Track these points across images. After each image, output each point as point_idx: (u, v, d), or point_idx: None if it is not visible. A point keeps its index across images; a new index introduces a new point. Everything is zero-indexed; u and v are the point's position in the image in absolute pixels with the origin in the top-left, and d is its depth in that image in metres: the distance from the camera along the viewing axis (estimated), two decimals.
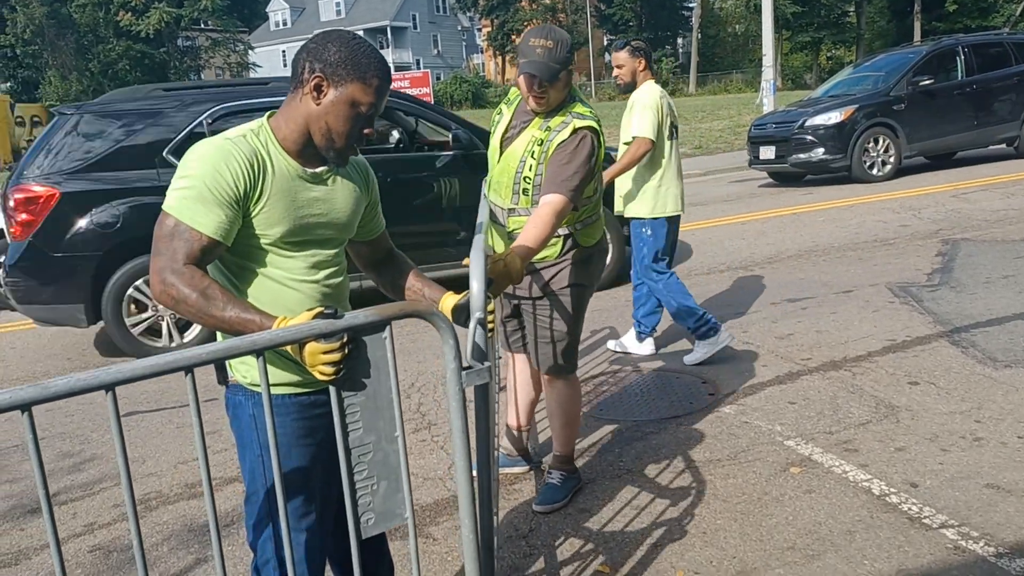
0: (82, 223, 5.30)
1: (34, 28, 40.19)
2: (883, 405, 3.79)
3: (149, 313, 5.49)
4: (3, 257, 5.92)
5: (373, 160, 5.49)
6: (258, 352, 1.59)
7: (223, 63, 48.39)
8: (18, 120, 33.74)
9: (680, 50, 59.45)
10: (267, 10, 64.19)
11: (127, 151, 5.43)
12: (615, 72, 4.60)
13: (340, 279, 1.97)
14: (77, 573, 2.98)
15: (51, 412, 4.58)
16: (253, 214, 1.78)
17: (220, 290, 1.70)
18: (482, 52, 72.30)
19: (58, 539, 1.45)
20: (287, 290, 1.86)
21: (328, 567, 2.25)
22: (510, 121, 3.02)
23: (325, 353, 1.62)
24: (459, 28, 69.73)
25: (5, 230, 5.65)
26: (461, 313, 2.05)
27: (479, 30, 71.42)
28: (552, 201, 2.69)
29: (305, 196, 1.85)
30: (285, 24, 63.39)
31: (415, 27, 62.60)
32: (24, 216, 5.23)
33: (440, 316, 1.79)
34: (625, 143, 4.52)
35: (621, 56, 4.48)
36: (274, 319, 1.68)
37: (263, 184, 1.78)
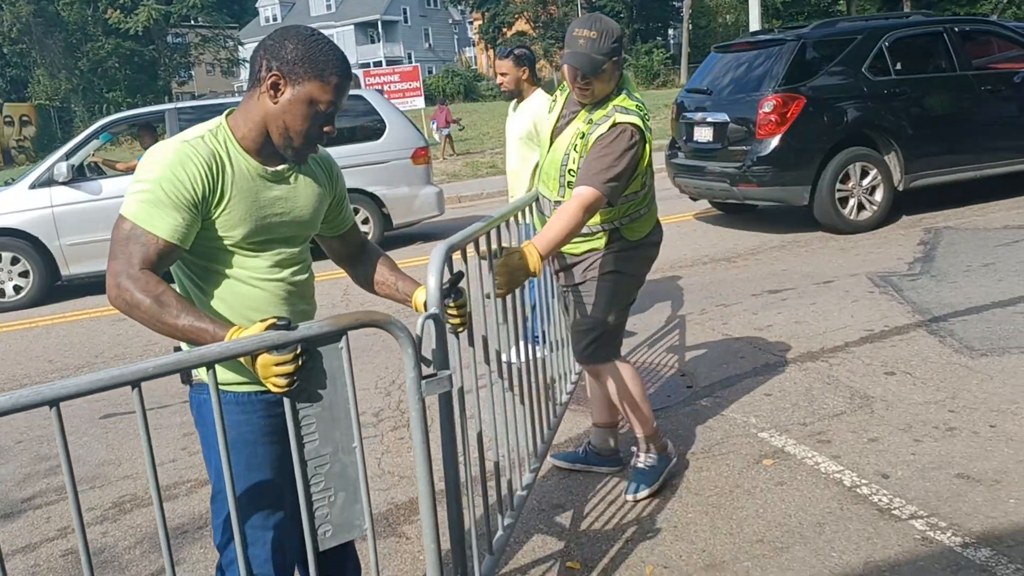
0: (818, 121, 7.07)
1: (21, 27, 39.91)
2: (858, 396, 3.80)
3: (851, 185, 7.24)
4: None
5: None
6: (208, 365, 1.58)
7: (212, 59, 48.16)
8: (7, 120, 33.56)
9: (671, 41, 59.39)
10: (257, 5, 63.93)
11: (838, 70, 7.25)
12: (498, 79, 4.52)
13: (305, 276, 1.96)
14: None
15: (30, 415, 4.57)
16: (214, 216, 1.77)
17: (175, 297, 1.69)
18: (474, 45, 72.14)
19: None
20: (252, 289, 1.86)
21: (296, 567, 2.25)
22: (561, 111, 3.00)
23: (277, 365, 1.61)
24: (450, 21, 69.55)
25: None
26: None
27: (470, 23, 71.23)
28: (581, 194, 2.65)
29: (267, 195, 1.85)
30: (275, 19, 63.12)
31: (406, 21, 62.42)
32: (775, 118, 6.97)
33: (397, 325, 1.78)
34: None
35: (505, 64, 4.40)
36: (228, 329, 1.68)
37: (223, 186, 1.77)
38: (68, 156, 7.86)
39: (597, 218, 2.91)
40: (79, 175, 7.89)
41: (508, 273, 2.43)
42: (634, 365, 4.51)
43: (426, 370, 1.85)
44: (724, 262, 6.80)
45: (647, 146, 2.82)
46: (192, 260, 1.83)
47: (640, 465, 3.15)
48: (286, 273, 1.90)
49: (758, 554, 2.66)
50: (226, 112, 1.87)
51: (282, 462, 1.90)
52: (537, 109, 4.34)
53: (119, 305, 1.70)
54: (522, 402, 2.89)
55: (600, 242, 2.95)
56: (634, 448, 3.22)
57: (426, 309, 2.01)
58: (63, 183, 7.65)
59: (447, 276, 2.04)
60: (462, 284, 2.08)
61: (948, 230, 6.99)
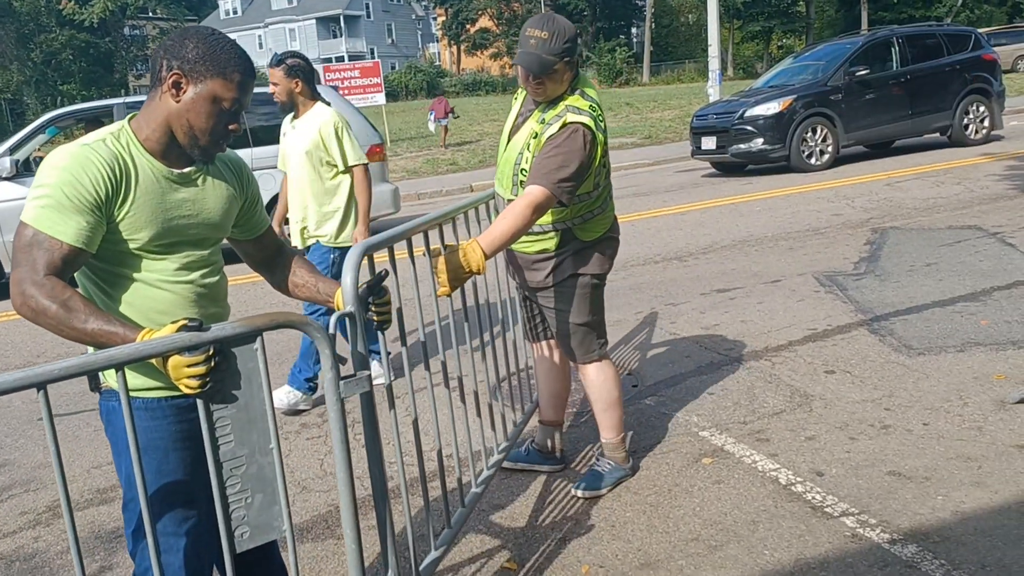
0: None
1: None
2: (798, 394, 3.86)
3: None
4: None
5: None
6: (117, 367, 1.55)
7: None
8: None
9: (634, 39, 59.74)
10: None
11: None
12: (271, 89, 4.23)
13: (216, 278, 1.94)
14: None
15: None
16: (118, 219, 1.74)
17: (82, 301, 1.66)
18: (437, 41, 71.87)
19: None
20: (160, 292, 1.82)
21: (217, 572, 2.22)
22: (520, 110, 2.98)
23: (189, 367, 1.59)
24: (413, 17, 69.21)
25: None
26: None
27: (434, 19, 70.96)
28: (531, 193, 2.64)
29: (173, 198, 1.82)
30: (235, 12, 62.28)
31: (369, 16, 61.97)
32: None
33: (313, 325, 1.77)
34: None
35: (276, 73, 4.17)
36: (138, 331, 1.65)
37: (126, 188, 1.74)
38: (12, 151, 7.68)
39: (549, 217, 2.91)
40: (24, 170, 7.71)
41: (451, 271, 2.42)
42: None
43: (345, 370, 1.84)
44: (675, 261, 6.87)
45: (599, 147, 2.81)
46: (97, 265, 1.80)
47: (599, 468, 3.18)
48: (195, 275, 1.87)
49: (692, 552, 2.69)
50: (128, 116, 1.84)
51: (195, 468, 1.87)
52: (321, 125, 4.10)
53: (25, 313, 1.66)
54: (462, 401, 2.88)
55: (552, 242, 2.94)
56: (598, 449, 3.26)
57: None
58: (6, 178, 7.47)
59: (367, 276, 2.03)
60: (385, 283, 2.07)
61: (894, 230, 7.13)
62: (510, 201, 2.92)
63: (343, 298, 1.95)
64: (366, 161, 4.25)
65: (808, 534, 2.73)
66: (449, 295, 2.50)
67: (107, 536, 3.15)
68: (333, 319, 1.86)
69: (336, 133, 4.13)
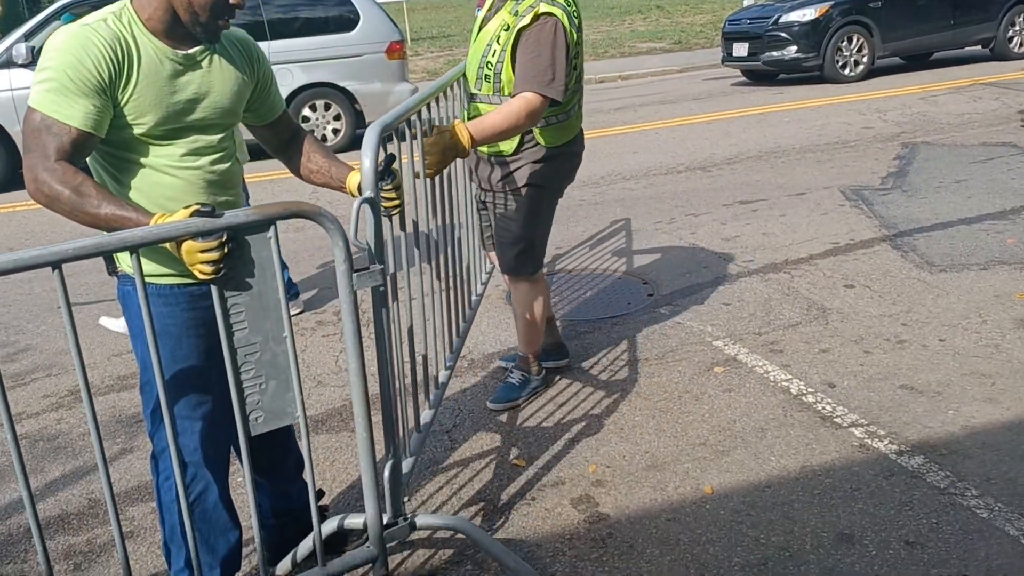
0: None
1: None
2: (815, 307, 3.83)
3: None
4: None
5: None
6: (131, 249, 1.55)
7: None
8: None
9: None
10: None
11: None
12: None
13: (227, 165, 1.90)
14: (1, 461, 3.01)
15: None
16: (122, 103, 1.70)
17: (95, 187, 1.64)
18: None
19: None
20: (168, 178, 1.80)
21: (237, 459, 2.28)
22: (491, 3, 2.87)
23: (202, 252, 1.58)
24: None
25: None
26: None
27: None
28: (527, 99, 2.56)
29: (178, 80, 1.77)
30: None
31: None
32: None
33: (327, 216, 1.74)
34: None
35: None
36: (151, 216, 1.63)
37: (129, 70, 1.69)
38: (27, 37, 7.56)
39: None
40: (39, 57, 7.60)
41: (439, 152, 2.36)
42: (583, 272, 4.54)
43: (357, 263, 1.82)
44: (699, 171, 6.74)
45: (572, 46, 2.68)
46: (106, 150, 1.77)
47: (512, 381, 3.21)
48: (203, 161, 1.84)
49: (699, 456, 2.72)
50: None
51: (208, 355, 1.89)
52: None
53: (39, 199, 1.65)
54: (444, 289, 2.80)
55: (511, 144, 2.82)
56: (510, 364, 3.32)
57: (361, 193, 1.97)
58: (22, 65, 7.37)
59: (381, 157, 1.98)
60: (395, 166, 2.02)
61: (925, 145, 6.94)
62: (472, 95, 2.86)
63: (362, 183, 1.89)
64: None
65: (816, 443, 2.75)
66: (434, 177, 2.45)
67: (128, 420, 3.23)
68: (355, 205, 1.83)
69: None
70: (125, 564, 1.65)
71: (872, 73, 11.11)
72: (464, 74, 2.97)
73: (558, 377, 3.35)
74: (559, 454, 2.80)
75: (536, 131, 2.82)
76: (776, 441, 2.78)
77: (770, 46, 10.93)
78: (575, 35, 2.71)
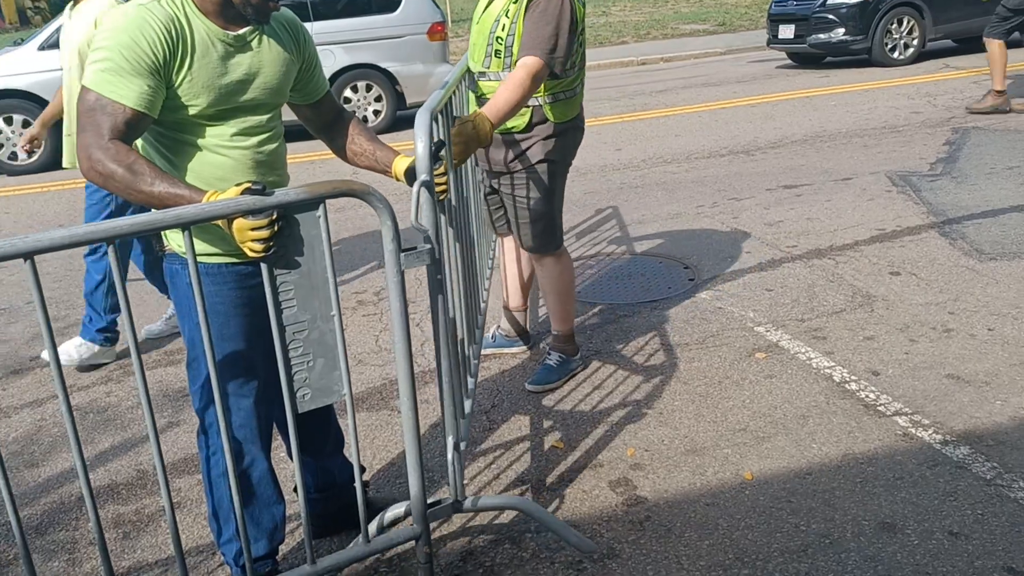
0: None
1: None
2: (860, 294, 3.77)
3: None
4: None
5: None
6: (184, 226, 1.58)
7: None
8: None
9: None
10: None
11: None
12: None
13: (274, 145, 1.93)
14: (54, 432, 3.10)
15: (43, 278, 4.65)
16: (176, 84, 1.73)
17: (148, 165, 1.67)
18: None
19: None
20: (218, 157, 1.83)
21: (280, 435, 2.32)
22: None
23: (253, 230, 1.61)
24: None
25: None
26: (413, 176, 2.01)
27: None
28: (528, 64, 2.60)
29: (229, 62, 1.79)
30: None
31: None
32: None
33: (376, 196, 1.76)
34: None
35: None
36: (203, 194, 1.66)
37: (183, 52, 1.71)
38: None
39: None
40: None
41: (463, 142, 2.38)
42: (624, 255, 4.52)
43: (406, 242, 1.84)
44: (743, 155, 6.66)
45: (579, 22, 2.73)
46: (158, 131, 1.80)
47: (550, 362, 3.20)
48: (252, 141, 1.86)
49: (739, 442, 2.71)
50: None
51: (256, 333, 1.92)
52: (98, 14, 3.28)
53: (93, 177, 1.68)
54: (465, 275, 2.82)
55: (522, 120, 2.86)
56: (548, 343, 3.30)
57: (408, 176, 1.98)
58: None
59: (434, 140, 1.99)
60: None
61: (976, 130, 6.76)
62: (481, 73, 2.87)
63: (416, 166, 1.91)
64: None
65: (858, 431, 2.72)
66: (458, 167, 2.47)
67: (174, 394, 3.31)
68: (416, 187, 1.85)
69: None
70: (175, 533, 1.70)
71: (922, 56, 10.84)
72: (468, 59, 3.00)
73: (596, 360, 3.35)
74: (597, 437, 2.81)
75: (546, 108, 2.86)
76: (818, 428, 2.75)
77: (817, 28, 10.71)
78: (582, 10, 2.76)
